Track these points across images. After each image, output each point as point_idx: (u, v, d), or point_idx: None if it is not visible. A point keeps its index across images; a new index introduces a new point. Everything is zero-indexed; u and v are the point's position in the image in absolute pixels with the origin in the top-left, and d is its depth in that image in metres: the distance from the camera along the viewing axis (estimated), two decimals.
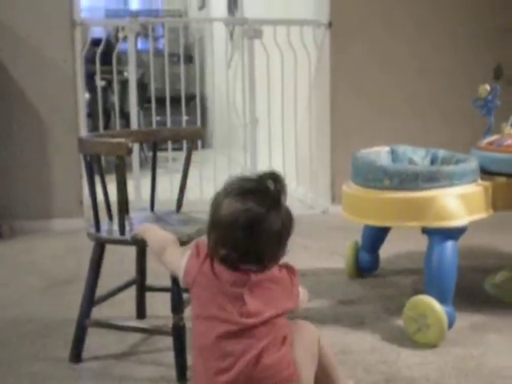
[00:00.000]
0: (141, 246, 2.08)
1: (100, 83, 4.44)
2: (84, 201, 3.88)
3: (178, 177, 2.38)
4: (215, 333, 1.50)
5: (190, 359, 1.92)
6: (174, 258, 1.67)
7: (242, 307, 1.51)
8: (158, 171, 2.38)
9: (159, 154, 2.40)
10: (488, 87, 2.55)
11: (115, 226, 2.02)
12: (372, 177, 2.26)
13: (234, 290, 1.52)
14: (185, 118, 4.38)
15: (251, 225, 1.50)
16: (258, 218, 1.50)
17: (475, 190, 2.27)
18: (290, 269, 1.63)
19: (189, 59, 6.72)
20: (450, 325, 2.12)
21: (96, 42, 4.25)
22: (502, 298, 2.55)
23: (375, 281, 2.78)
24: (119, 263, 2.95)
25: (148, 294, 2.37)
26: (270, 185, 1.53)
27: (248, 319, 1.50)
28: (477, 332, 2.20)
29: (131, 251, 2.33)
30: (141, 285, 2.34)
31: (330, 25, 4.11)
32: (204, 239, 1.59)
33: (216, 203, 1.54)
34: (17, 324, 2.39)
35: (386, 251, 2.89)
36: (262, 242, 1.51)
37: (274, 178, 1.54)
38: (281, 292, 1.57)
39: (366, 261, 2.80)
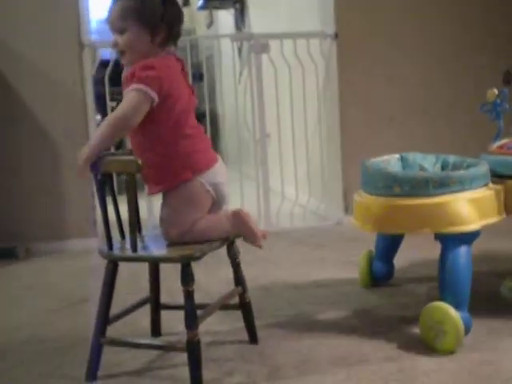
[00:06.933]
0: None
1: (111, 104, 4.47)
2: (98, 220, 3.90)
3: None
4: None
5: (205, 374, 1.93)
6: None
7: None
8: None
9: None
10: (496, 91, 2.55)
11: (127, 245, 2.03)
12: (382, 185, 2.25)
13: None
14: None
15: None
16: None
17: (487, 194, 2.25)
18: None
19: (199, 77, 6.74)
20: (467, 330, 2.10)
21: (106, 64, 4.28)
22: None
23: (390, 289, 2.76)
24: (133, 281, 2.96)
25: (163, 312, 2.37)
26: None
27: None
28: (493, 337, 2.18)
29: (144, 269, 2.33)
30: (155, 302, 2.34)
31: (336, 36, 4.12)
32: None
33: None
34: (32, 344, 2.39)
35: (400, 259, 2.88)
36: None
37: None
38: None
39: (381, 270, 2.79)
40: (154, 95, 1.91)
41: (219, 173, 2.06)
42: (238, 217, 2.05)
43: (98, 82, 4.31)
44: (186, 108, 2.02)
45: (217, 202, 2.07)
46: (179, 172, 1.98)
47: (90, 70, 3.99)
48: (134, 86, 1.91)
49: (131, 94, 1.91)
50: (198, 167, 2.00)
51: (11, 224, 3.87)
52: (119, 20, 2.00)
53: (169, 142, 1.97)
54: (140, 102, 1.91)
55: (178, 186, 1.99)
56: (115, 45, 2.02)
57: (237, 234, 2.10)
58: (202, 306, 2.08)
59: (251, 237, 2.06)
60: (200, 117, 4.94)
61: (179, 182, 1.99)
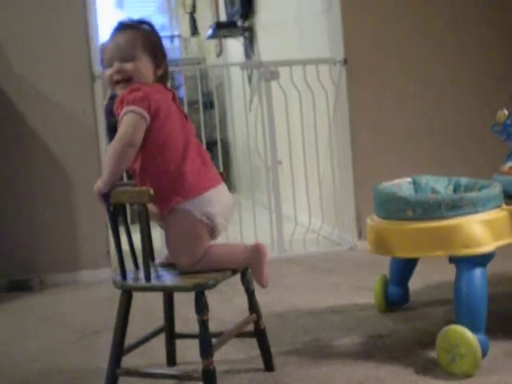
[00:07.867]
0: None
1: None
2: (111, 251, 3.90)
3: None
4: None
5: None
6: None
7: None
8: None
9: None
10: (506, 112, 2.54)
11: (141, 274, 2.03)
12: (394, 208, 2.24)
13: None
14: None
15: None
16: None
17: (500, 215, 2.24)
18: None
19: (211, 106, 6.78)
20: (484, 353, 2.08)
21: (116, 95, 4.30)
22: None
23: (406, 314, 2.74)
24: (147, 310, 2.96)
25: (178, 341, 2.36)
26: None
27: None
28: (511, 359, 2.16)
29: (159, 298, 2.33)
30: (170, 332, 2.33)
31: (345, 62, 4.13)
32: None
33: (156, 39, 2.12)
34: (48, 375, 2.39)
35: (415, 283, 2.87)
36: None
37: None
38: None
39: (396, 294, 2.77)
40: (146, 114, 1.94)
41: (213, 201, 2.02)
42: (258, 251, 2.06)
43: (109, 113, 4.34)
44: (176, 128, 2.03)
45: (211, 232, 2.06)
46: (170, 196, 1.98)
47: (101, 101, 4.02)
48: (125, 109, 1.96)
49: (125, 116, 1.96)
50: (187, 192, 1.99)
51: (25, 256, 3.88)
52: (128, 48, 2.04)
53: (159, 162, 1.98)
54: (136, 120, 1.94)
55: (172, 210, 2.00)
56: (121, 71, 2.04)
57: (246, 265, 2.09)
58: (217, 335, 2.07)
59: (258, 275, 2.07)
60: (211, 145, 5.00)
61: (172, 207, 1.99)
